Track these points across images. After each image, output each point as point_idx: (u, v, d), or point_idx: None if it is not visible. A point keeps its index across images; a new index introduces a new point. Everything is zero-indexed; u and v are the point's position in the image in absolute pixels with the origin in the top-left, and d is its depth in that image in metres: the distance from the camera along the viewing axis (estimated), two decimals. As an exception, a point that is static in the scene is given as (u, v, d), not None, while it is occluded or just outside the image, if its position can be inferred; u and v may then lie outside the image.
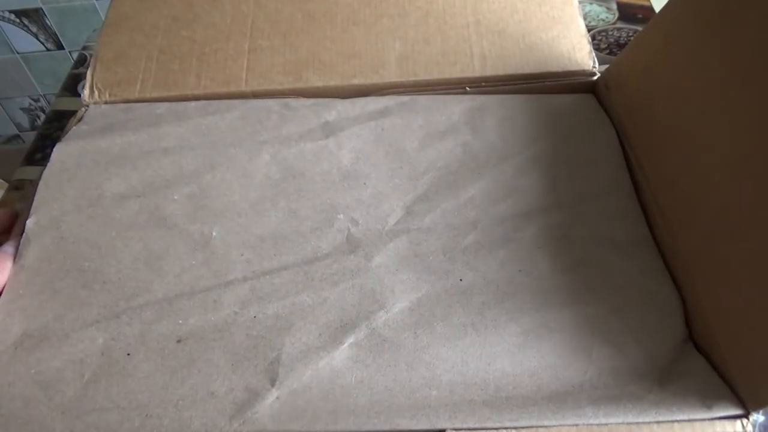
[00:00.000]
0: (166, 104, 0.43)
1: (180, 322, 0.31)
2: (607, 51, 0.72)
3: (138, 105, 0.43)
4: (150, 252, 0.34)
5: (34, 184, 0.38)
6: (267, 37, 0.46)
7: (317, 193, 0.37)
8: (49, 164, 0.38)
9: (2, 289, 0.33)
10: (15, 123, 1.55)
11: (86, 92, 0.44)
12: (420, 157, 0.38)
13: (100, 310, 0.32)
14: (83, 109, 0.43)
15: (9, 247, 0.34)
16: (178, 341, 0.31)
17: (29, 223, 0.35)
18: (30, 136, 1.54)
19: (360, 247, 0.34)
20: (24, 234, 0.35)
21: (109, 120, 0.41)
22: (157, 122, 0.41)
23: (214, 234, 0.35)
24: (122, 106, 0.43)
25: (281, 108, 0.41)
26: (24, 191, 0.63)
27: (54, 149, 0.39)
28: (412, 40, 0.45)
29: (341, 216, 0.35)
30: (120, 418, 0.28)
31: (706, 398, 0.28)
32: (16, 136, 1.59)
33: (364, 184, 0.37)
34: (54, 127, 0.70)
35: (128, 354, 0.30)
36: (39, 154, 0.67)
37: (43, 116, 1.51)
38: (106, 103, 0.44)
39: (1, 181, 1.21)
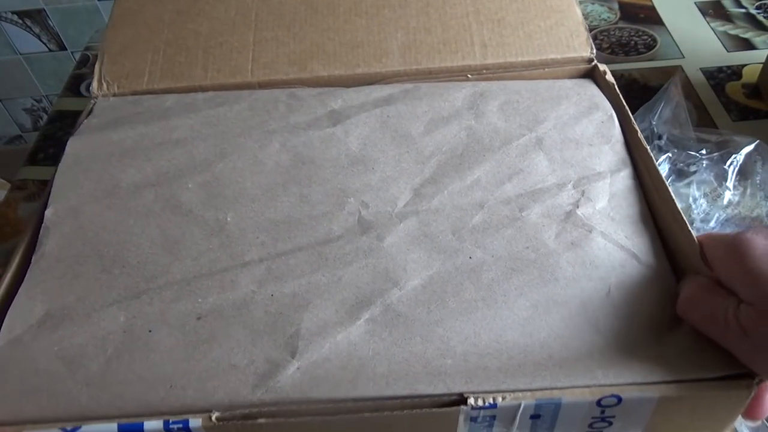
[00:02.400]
0: (174, 96, 0.44)
1: (199, 300, 0.32)
2: (609, 51, 0.73)
3: (146, 97, 0.44)
4: (167, 237, 0.35)
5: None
6: (271, 29, 0.47)
7: (327, 178, 0.38)
8: (63, 157, 0.39)
9: None
10: (17, 123, 1.56)
11: (95, 85, 0.45)
12: (426, 142, 0.39)
13: (121, 292, 0.33)
14: (92, 102, 0.44)
15: None
16: (198, 318, 0.31)
17: (48, 213, 0.36)
18: (32, 137, 1.54)
19: (371, 229, 0.35)
20: (43, 224, 0.36)
21: (119, 113, 0.42)
22: (167, 115, 0.42)
23: (228, 219, 0.36)
24: (131, 98, 0.44)
25: (288, 98, 0.42)
26: (27, 191, 0.64)
27: (67, 143, 0.40)
28: (414, 30, 0.46)
29: (351, 200, 0.36)
30: (144, 389, 0.29)
31: (711, 360, 0.29)
32: (19, 137, 1.59)
33: (373, 168, 0.38)
34: (56, 127, 0.71)
35: (150, 331, 0.31)
36: (41, 154, 0.67)
37: (45, 117, 1.51)
38: (114, 95, 0.45)
39: (3, 181, 1.21)
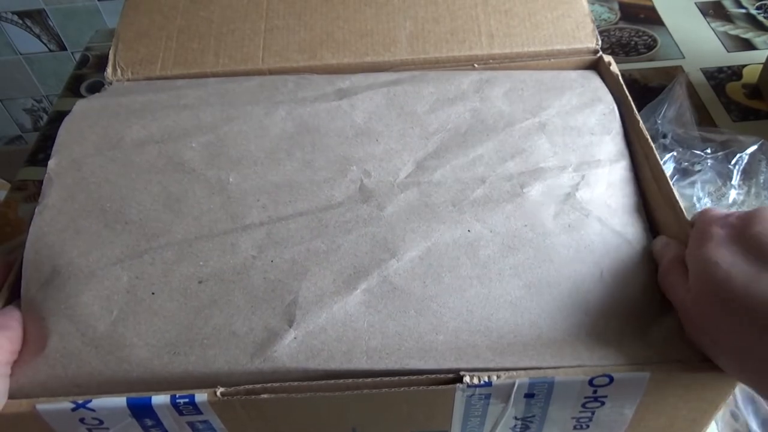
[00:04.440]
0: (186, 80, 0.45)
1: (200, 263, 0.32)
2: (609, 51, 0.73)
3: (159, 81, 0.45)
4: (169, 194, 0.35)
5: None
6: (282, 17, 0.48)
7: (331, 146, 0.38)
8: (69, 114, 0.40)
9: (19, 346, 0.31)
10: (18, 124, 1.56)
11: (109, 70, 0.46)
12: (430, 119, 0.40)
13: (123, 250, 0.33)
14: (106, 86, 0.45)
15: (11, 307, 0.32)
16: (200, 282, 0.32)
17: (51, 163, 0.37)
18: (32, 137, 1.55)
19: (372, 197, 0.35)
20: (46, 174, 0.36)
21: (131, 89, 0.43)
22: (178, 87, 0.43)
23: (231, 180, 0.36)
24: (144, 82, 0.45)
25: (297, 79, 0.43)
26: (27, 191, 0.64)
27: (75, 104, 0.41)
28: (422, 20, 0.47)
29: (354, 168, 0.37)
30: (150, 355, 0.30)
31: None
32: (19, 137, 1.60)
33: (377, 140, 0.38)
34: (56, 127, 0.69)
35: (153, 293, 0.31)
36: (41, 154, 0.67)
37: (45, 117, 1.52)
38: (128, 80, 0.45)
39: (3, 181, 1.22)
